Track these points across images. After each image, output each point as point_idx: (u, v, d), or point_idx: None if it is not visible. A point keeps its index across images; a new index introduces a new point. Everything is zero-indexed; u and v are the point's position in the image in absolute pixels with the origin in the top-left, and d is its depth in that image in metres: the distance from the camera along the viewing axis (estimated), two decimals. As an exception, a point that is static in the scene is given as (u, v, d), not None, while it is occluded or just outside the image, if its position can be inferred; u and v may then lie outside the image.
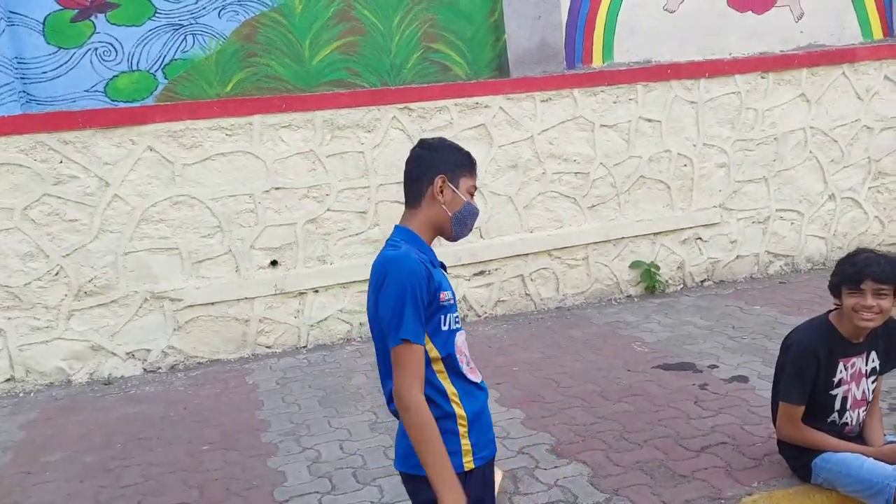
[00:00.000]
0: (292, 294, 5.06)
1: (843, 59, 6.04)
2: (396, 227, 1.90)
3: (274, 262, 5.01)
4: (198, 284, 4.84)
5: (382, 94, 5.13)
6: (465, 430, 1.76)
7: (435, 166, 1.87)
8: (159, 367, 4.83)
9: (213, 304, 4.89)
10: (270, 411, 3.96)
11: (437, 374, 1.76)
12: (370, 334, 1.88)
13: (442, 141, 1.94)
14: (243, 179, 4.89)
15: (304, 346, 5.13)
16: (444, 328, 1.78)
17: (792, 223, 6.06)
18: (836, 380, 2.58)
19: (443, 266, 1.90)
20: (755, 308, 5.13)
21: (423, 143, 1.94)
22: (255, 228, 4.94)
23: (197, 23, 4.97)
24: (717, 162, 5.83)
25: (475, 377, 1.84)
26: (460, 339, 1.83)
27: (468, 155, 1.93)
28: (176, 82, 4.97)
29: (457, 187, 1.87)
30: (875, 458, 2.49)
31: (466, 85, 5.31)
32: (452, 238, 1.92)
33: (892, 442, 2.61)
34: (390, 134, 5.13)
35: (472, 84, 5.33)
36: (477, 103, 5.26)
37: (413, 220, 1.87)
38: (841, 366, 2.58)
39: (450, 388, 1.77)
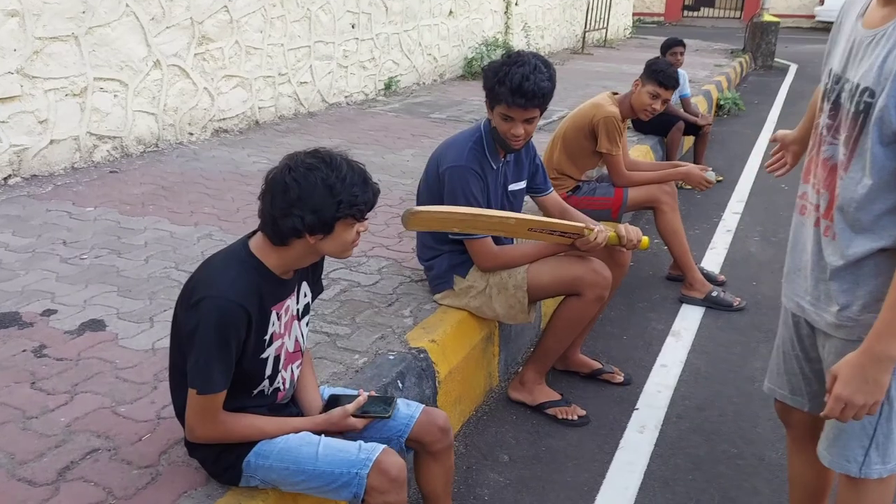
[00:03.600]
0: None
1: None
2: None
3: None
4: None
5: None
6: None
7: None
8: None
9: None
10: None
11: None
12: None
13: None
14: None
15: None
16: None
17: (115, 96, 4.89)
18: (267, 337, 1.73)
19: None
20: (88, 210, 3.90)
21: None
22: None
23: None
24: (5, 8, 4.13)
25: None
26: None
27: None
28: None
29: None
30: (325, 433, 1.79)
31: None
32: None
33: (333, 397, 1.94)
34: None
35: None
36: None
37: None
38: (274, 316, 1.73)
39: None
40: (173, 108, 5.34)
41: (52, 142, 4.49)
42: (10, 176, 4.28)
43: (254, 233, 1.73)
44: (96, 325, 2.66)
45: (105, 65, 4.76)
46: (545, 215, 3.02)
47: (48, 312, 2.74)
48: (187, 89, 5.44)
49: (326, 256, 1.79)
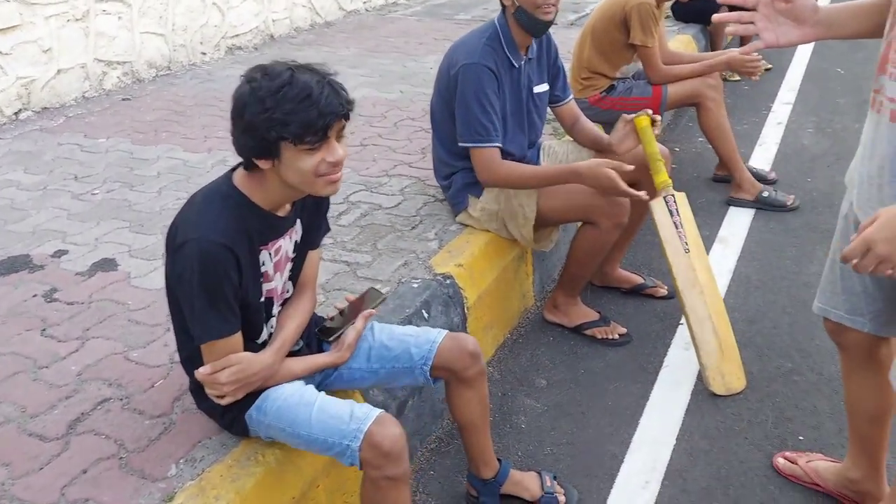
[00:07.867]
0: None
1: None
2: None
3: None
4: None
5: None
6: None
7: None
8: None
9: None
10: None
11: None
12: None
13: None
14: None
15: None
16: None
17: (120, 18, 4.66)
18: (262, 280, 1.57)
19: None
20: (100, 142, 3.76)
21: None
22: None
23: None
24: (-10, -70, 3.88)
25: None
26: None
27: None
28: None
29: None
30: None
31: None
32: None
33: (321, 327, 1.77)
34: None
35: None
36: None
37: None
38: (265, 255, 1.56)
39: None
40: (182, 28, 5.08)
41: (59, 71, 4.31)
42: (20, 110, 4.14)
43: (233, 170, 1.55)
44: (108, 264, 2.56)
45: (105, -15, 4.51)
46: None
47: (59, 253, 2.64)
48: (195, 6, 5.16)
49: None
